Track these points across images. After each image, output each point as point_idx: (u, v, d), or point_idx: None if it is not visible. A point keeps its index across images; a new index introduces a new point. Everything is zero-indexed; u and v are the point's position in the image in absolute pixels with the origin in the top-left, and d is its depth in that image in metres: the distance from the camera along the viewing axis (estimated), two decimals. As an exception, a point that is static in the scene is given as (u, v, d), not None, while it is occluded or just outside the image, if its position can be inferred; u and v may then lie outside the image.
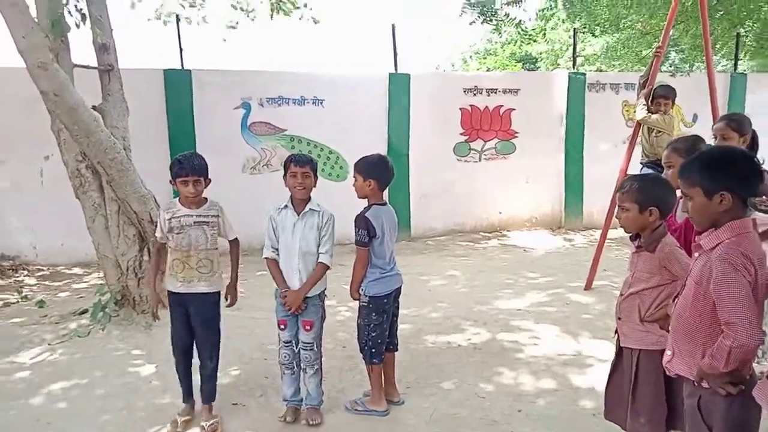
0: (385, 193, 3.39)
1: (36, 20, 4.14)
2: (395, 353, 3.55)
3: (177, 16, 7.00)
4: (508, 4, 6.90)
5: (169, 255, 3.24)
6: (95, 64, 4.84)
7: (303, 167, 3.16)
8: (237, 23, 6.95)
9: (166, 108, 7.16)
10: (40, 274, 6.74)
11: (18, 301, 5.68)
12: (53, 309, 5.31)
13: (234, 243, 3.37)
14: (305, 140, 7.79)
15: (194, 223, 3.17)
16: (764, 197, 2.89)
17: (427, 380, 3.79)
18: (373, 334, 3.30)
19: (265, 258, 3.28)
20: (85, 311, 4.82)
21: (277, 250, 3.24)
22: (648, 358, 2.42)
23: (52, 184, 6.49)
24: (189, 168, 3.09)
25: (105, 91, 4.86)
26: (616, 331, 2.59)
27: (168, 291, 3.24)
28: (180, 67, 7.33)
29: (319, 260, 3.21)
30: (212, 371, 3.29)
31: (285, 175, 3.22)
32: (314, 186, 3.24)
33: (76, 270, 6.82)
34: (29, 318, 5.08)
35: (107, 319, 4.58)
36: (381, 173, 3.26)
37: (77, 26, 4.78)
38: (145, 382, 3.82)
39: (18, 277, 6.57)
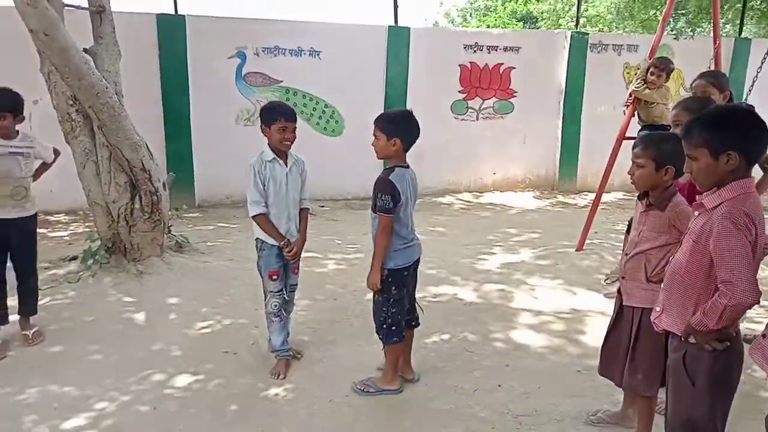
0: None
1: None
2: (415, 329, 3.28)
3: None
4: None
5: None
6: (86, 5, 4.68)
7: (293, 122, 3.14)
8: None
9: (159, 54, 6.98)
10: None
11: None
12: (41, 255, 5.26)
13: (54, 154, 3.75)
14: (301, 93, 7.65)
15: (9, 153, 3.41)
16: None
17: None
18: (393, 310, 2.98)
19: (256, 215, 3.13)
20: (75, 258, 4.79)
21: (265, 203, 3.16)
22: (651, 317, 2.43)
23: (41, 128, 6.31)
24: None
25: (96, 34, 4.70)
26: (619, 291, 2.60)
27: None
28: (174, 13, 7.13)
29: (304, 206, 3.32)
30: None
31: (268, 126, 3.10)
32: None
33: (62, 217, 6.76)
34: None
35: (98, 266, 4.56)
36: (407, 131, 2.89)
37: (66, -36, 4.59)
38: (137, 329, 3.84)
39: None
